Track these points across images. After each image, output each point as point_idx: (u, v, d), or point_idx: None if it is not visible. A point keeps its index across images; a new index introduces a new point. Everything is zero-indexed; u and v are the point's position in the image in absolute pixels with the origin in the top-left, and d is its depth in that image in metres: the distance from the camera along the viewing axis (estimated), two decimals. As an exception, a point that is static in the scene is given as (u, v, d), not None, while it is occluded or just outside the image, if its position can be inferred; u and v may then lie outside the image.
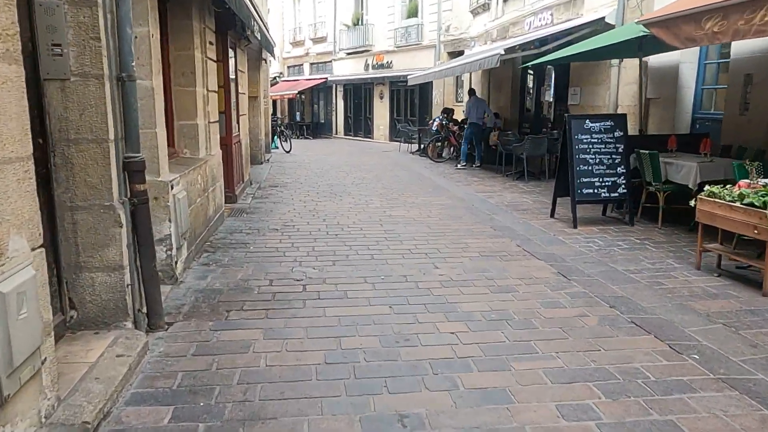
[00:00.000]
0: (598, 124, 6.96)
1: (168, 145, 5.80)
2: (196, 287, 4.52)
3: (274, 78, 33.65)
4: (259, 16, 9.05)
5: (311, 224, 7.04)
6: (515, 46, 10.78)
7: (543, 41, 11.96)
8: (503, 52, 10.02)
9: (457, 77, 20.07)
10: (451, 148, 15.13)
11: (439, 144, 15.80)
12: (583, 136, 6.92)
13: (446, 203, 8.62)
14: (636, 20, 7.05)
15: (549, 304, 4.23)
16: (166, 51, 5.70)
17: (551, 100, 13.59)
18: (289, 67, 32.94)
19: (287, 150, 17.82)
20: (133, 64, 3.37)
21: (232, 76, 8.68)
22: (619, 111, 10.11)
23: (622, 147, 6.96)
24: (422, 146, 17.14)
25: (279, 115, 33.53)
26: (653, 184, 6.79)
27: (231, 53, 8.60)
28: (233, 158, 8.41)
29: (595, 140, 6.93)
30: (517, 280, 4.82)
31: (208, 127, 6.43)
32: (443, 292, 4.47)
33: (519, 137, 12.08)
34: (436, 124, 15.74)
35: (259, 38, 9.12)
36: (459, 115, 17.49)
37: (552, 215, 7.45)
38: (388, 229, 6.74)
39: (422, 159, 15.89)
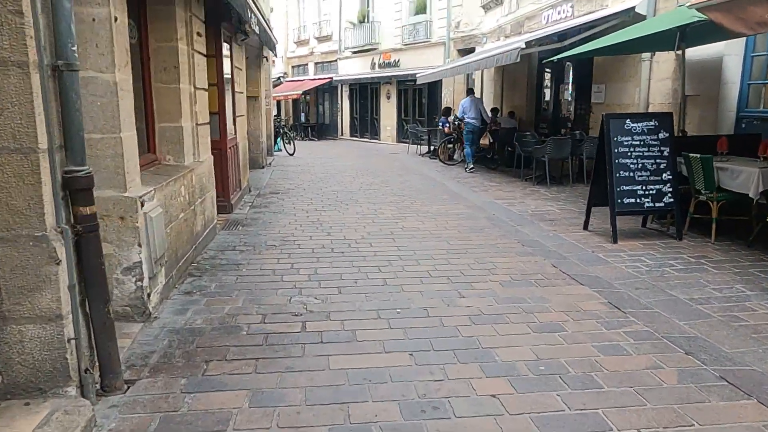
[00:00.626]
0: (640, 125, 6.11)
1: (148, 151, 5.02)
2: (172, 325, 3.71)
3: (278, 78, 32.91)
4: (258, 8, 8.26)
5: (314, 239, 6.22)
6: (532, 41, 9.92)
7: (562, 36, 11.10)
8: (524, 46, 9.18)
9: (467, 75, 19.25)
10: (464, 150, 14.28)
11: (451, 146, 14.96)
12: (624, 138, 6.07)
13: (464, 212, 7.78)
14: (687, 4, 6.18)
15: (608, 349, 3.39)
16: (144, 41, 4.90)
17: (571, 98, 12.73)
18: (293, 67, 32.19)
19: (290, 153, 17.03)
20: (74, 48, 2.56)
21: (227, 73, 7.89)
22: (651, 109, 9.25)
23: (668, 150, 6.10)
24: (432, 148, 16.31)
25: (283, 116, 32.82)
26: (704, 192, 5.94)
27: (226, 48, 7.80)
28: (228, 164, 7.61)
29: (637, 143, 6.07)
30: (561, 313, 3.98)
31: (196, 130, 5.63)
32: (474, 332, 3.64)
33: (538, 138, 11.22)
34: (445, 127, 14.91)
35: (258, 32, 8.32)
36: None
37: (585, 227, 6.60)
38: (402, 246, 5.91)
39: (432, 162, 15.06)
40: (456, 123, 13.88)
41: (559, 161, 10.51)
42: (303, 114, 32.35)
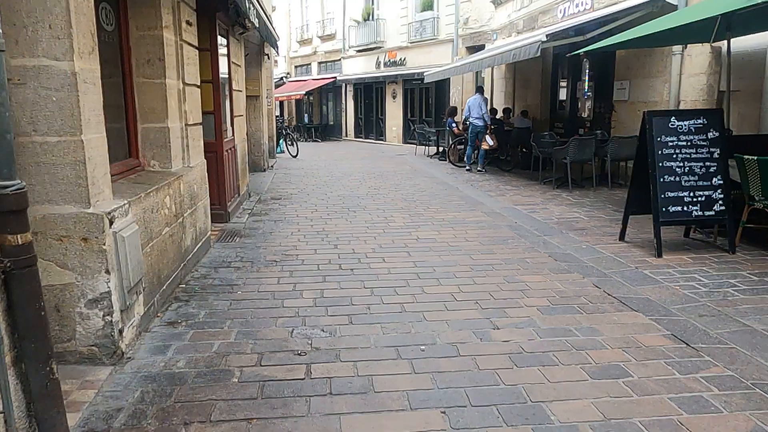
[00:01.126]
0: (687, 123, 5.42)
1: (129, 156, 4.36)
2: (148, 370, 3.04)
3: (281, 78, 32.30)
4: (257, 0, 7.61)
5: (319, 252, 5.55)
6: (551, 34, 9.22)
7: (580, 29, 10.41)
8: (545, 39, 8.49)
9: (477, 74, 18.57)
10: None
11: (461, 147, 14.27)
12: (669, 138, 5.38)
13: (483, 220, 7.10)
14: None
15: (690, 404, 2.71)
16: (124, 29, 4.25)
17: (589, 96, 12.03)
18: (296, 66, 31.57)
19: (294, 155, 16.38)
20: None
21: (223, 69, 7.24)
22: (682, 107, 8.55)
23: (719, 151, 5.41)
24: (441, 149, 15.63)
25: (286, 116, 32.21)
26: (760, 199, 5.24)
27: (222, 42, 7.15)
28: (225, 168, 6.95)
29: (684, 143, 5.38)
30: (619, 350, 3.30)
31: (186, 132, 4.98)
32: (518, 378, 2.96)
33: (556, 138, 10.52)
34: (455, 127, 14.22)
35: (257, 25, 7.65)
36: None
37: (622, 238, 5.91)
38: (419, 261, 5.24)
39: (442, 164, 14.38)
40: (465, 123, 13.18)
41: (580, 164, 9.80)
42: (306, 115, 31.74)
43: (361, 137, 26.06)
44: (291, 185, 10.47)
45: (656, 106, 9.16)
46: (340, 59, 26.64)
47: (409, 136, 22.19)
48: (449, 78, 19.06)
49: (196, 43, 5.35)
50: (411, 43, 21.29)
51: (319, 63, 28.89)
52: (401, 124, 22.78)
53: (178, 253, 4.47)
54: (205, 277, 4.73)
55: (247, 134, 11.84)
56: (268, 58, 12.58)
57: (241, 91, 8.48)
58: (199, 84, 5.44)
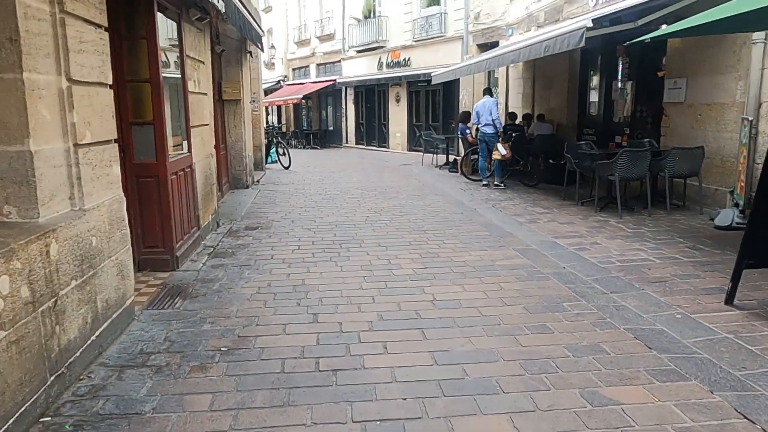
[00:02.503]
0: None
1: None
2: None
3: (278, 81, 30.66)
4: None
5: (290, 331, 3.75)
6: (594, 20, 7.35)
7: (617, 20, 8.57)
8: (591, 24, 6.67)
9: (489, 74, 16.78)
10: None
11: (475, 157, 12.46)
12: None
13: (519, 264, 5.29)
14: None
15: None
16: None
17: (628, 97, 10.21)
18: (293, 69, 29.85)
19: (286, 166, 14.60)
20: None
21: (170, 65, 5.47)
22: (766, 110, 6.73)
23: None
24: (453, 159, 13.81)
25: (284, 122, 30.52)
26: None
27: (166, 27, 5.38)
28: (172, 197, 5.16)
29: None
30: None
31: (77, 156, 3.19)
32: None
33: (600, 151, 8.70)
34: (469, 135, 12.41)
35: (223, 9, 5.86)
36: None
37: (730, 301, 4.09)
38: (439, 351, 3.41)
39: (453, 176, 12.57)
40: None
41: (633, 181, 7.96)
42: (305, 120, 30.02)
43: (363, 144, 24.28)
44: (275, 207, 8.67)
45: (726, 109, 7.35)
46: (339, 60, 24.90)
47: (414, 143, 20.41)
48: (458, 79, 17.29)
49: (100, 22, 3.57)
50: (416, 41, 19.51)
51: (318, 65, 27.15)
52: (406, 130, 20.99)
53: (38, 366, 2.67)
54: (95, 393, 2.93)
55: (225, 145, 10.07)
56: (252, 56, 10.84)
57: (204, 94, 6.70)
58: (107, 82, 3.64)
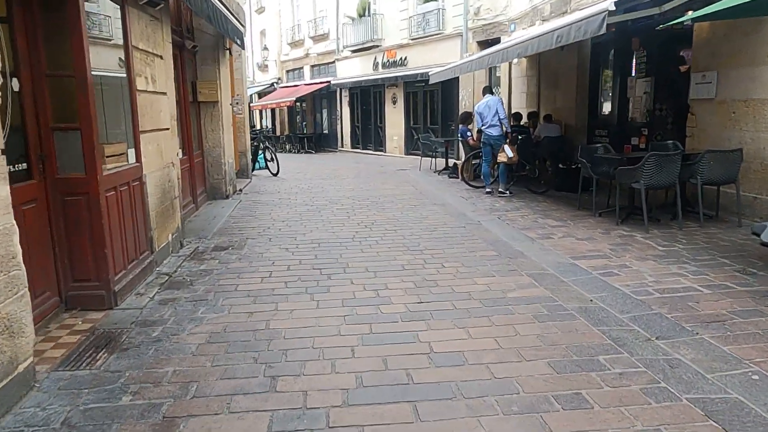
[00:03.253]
0: None
1: None
2: None
3: (272, 84, 29.74)
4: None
5: (234, 408, 2.77)
6: (617, 2, 6.37)
7: (631, 8, 7.63)
8: (613, 8, 5.70)
9: (490, 72, 15.85)
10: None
11: (477, 162, 11.51)
12: None
13: (536, 296, 4.31)
14: None
15: None
16: None
17: (646, 94, 9.25)
18: (287, 71, 28.93)
19: (274, 172, 13.63)
20: None
21: (109, 56, 4.53)
22: (817, 106, 5.78)
23: None
24: (453, 163, 12.84)
25: (278, 125, 29.64)
26: None
27: (97, 9, 4.43)
28: (109, 219, 4.19)
29: None
30: None
31: None
32: None
33: (621, 155, 7.74)
34: (470, 138, 11.45)
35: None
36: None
37: (819, 353, 3.12)
38: (437, 442, 2.45)
39: (453, 182, 11.60)
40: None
41: (660, 190, 6.99)
42: (300, 124, 29.09)
43: (359, 148, 23.32)
44: (253, 221, 7.71)
45: (767, 105, 6.39)
46: (334, 61, 23.96)
47: (412, 146, 19.47)
48: (458, 79, 16.35)
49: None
50: (413, 39, 18.58)
51: (312, 66, 26.22)
52: (403, 133, 20.04)
53: None
54: None
55: (202, 152, 9.12)
56: (231, 54, 9.87)
57: (163, 93, 5.74)
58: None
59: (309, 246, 6.17)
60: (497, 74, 15.61)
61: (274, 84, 29.35)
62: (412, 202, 9.15)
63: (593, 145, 7.85)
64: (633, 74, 9.47)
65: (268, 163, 13.96)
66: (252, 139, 13.94)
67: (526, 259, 5.43)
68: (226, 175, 9.61)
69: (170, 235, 5.74)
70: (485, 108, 9.26)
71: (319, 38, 24.99)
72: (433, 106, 18.62)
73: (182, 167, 7.94)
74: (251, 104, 31.45)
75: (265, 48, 29.91)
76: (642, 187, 6.34)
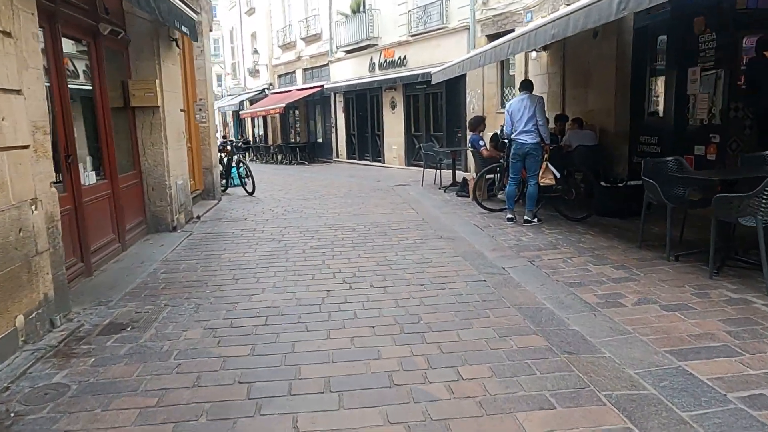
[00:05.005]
0: None
1: None
2: None
3: (263, 90, 27.74)
4: None
5: None
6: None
7: None
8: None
9: (503, 70, 13.75)
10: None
11: (491, 177, 9.37)
12: None
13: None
14: None
15: None
16: None
17: (715, 90, 7.08)
18: (279, 76, 26.92)
19: (249, 191, 11.51)
20: None
21: None
22: None
23: None
24: (463, 178, 10.65)
25: (270, 135, 27.62)
26: None
27: None
28: None
29: None
30: None
31: None
32: None
33: (686, 169, 5.57)
34: (483, 148, 9.29)
35: None
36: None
37: None
38: None
39: (462, 202, 9.45)
40: (504, 140, 8.26)
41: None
42: (296, 132, 27.03)
43: (355, 158, 21.21)
44: (189, 271, 5.55)
45: None
46: (327, 64, 21.90)
47: (413, 156, 17.36)
48: (464, 79, 14.26)
49: None
50: (412, 36, 16.48)
51: (304, 70, 24.19)
52: (403, 142, 17.89)
53: None
54: None
55: (140, 172, 7.02)
56: (177, 45, 7.75)
57: (13, 92, 3.61)
58: None
59: (250, 323, 4.01)
60: (511, 72, 13.50)
61: (266, 90, 27.36)
62: (411, 234, 6.99)
63: (663, 159, 5.66)
64: (696, 64, 7.30)
65: (243, 180, 11.84)
66: (220, 151, 11.84)
67: (596, 356, 3.26)
68: (172, 200, 7.47)
69: (21, 316, 3.59)
70: (520, 107, 7.08)
71: (311, 39, 22.95)
72: (437, 111, 16.48)
73: (97, 195, 5.83)
74: (241, 112, 29.51)
75: (255, 51, 27.95)
76: (759, 223, 4.15)
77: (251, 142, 30.32)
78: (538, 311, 4.06)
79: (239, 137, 32.87)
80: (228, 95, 34.81)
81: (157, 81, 7.08)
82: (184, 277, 5.30)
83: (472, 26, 13.99)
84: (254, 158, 26.88)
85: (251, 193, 11.43)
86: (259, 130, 30.35)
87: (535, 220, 7.14)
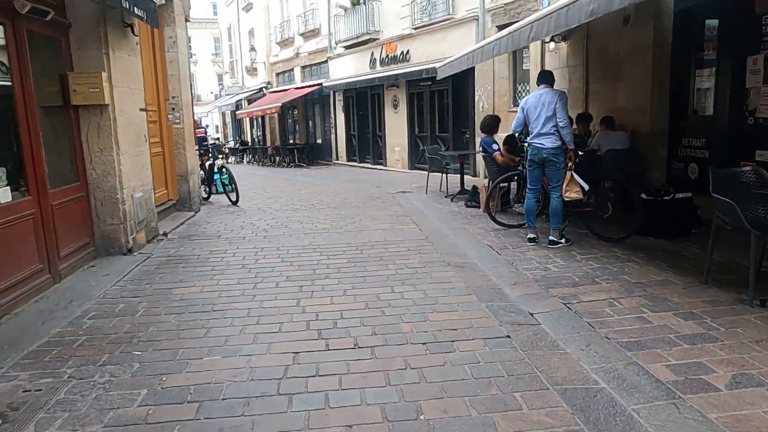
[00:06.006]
0: None
1: None
2: None
3: (260, 89, 26.56)
4: None
5: None
6: None
7: None
8: None
9: (515, 64, 12.50)
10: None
11: (506, 185, 8.10)
12: None
13: None
14: None
15: None
16: None
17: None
18: (277, 74, 25.74)
19: (233, 200, 10.28)
20: None
21: None
22: None
23: None
24: (473, 186, 9.34)
25: (268, 137, 26.46)
26: None
27: None
28: None
29: None
30: None
31: None
32: None
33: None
34: (497, 153, 8.01)
35: None
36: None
37: None
38: None
39: (473, 214, 8.19)
40: (520, 143, 6.99)
41: None
42: (292, 133, 25.83)
43: (355, 161, 19.95)
44: (134, 311, 4.32)
45: None
46: (326, 60, 20.67)
47: (417, 159, 16.10)
48: (473, 75, 13.01)
49: None
50: (416, 29, 15.21)
51: (303, 67, 22.97)
52: (406, 143, 16.62)
53: None
54: None
55: (85, 184, 5.82)
56: (131, 30, 6.50)
57: None
58: None
59: (173, 415, 2.78)
60: (525, 66, 12.22)
61: (263, 89, 26.18)
62: (412, 259, 5.73)
63: (738, 169, 4.37)
64: (759, 51, 6.00)
65: (225, 188, 10.61)
66: (201, 154, 10.63)
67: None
68: (126, 217, 6.24)
69: None
70: (537, 104, 5.81)
71: (309, 35, 21.72)
72: (442, 110, 15.20)
73: (14, 218, 4.61)
74: (237, 112, 28.32)
75: (253, 49, 26.78)
76: None
77: (249, 144, 29.18)
78: (591, 398, 2.80)
79: (237, 138, 31.74)
80: (226, 95, 33.66)
81: (105, 74, 5.85)
82: (114, 327, 4.06)
83: (482, 16, 12.71)
84: (252, 160, 25.72)
85: (235, 203, 10.20)
86: (258, 131, 29.19)
87: (563, 241, 5.87)
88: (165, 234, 7.40)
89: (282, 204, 10.28)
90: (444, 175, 10.83)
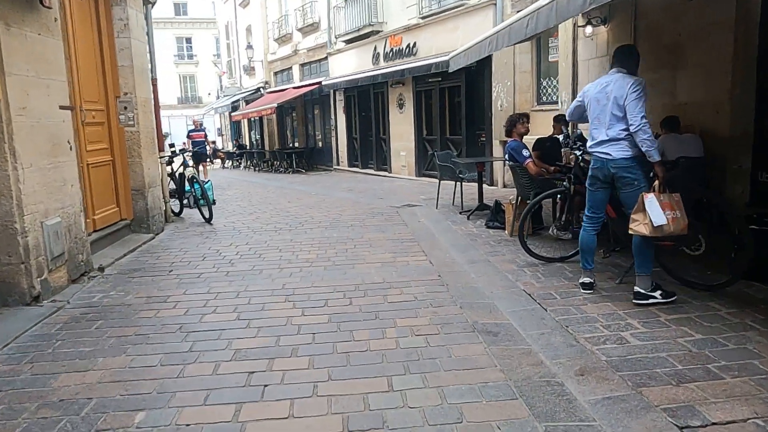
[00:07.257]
0: None
1: None
2: None
3: (258, 89, 24.96)
4: None
5: None
6: None
7: None
8: None
9: (539, 52, 10.81)
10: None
11: (537, 204, 6.33)
12: None
13: None
14: None
15: None
16: None
17: None
18: (275, 73, 24.14)
19: (206, 218, 8.60)
20: None
21: None
22: None
23: None
24: (495, 201, 7.57)
25: (266, 140, 24.86)
26: None
27: None
28: None
29: None
30: None
31: None
32: None
33: None
34: (529, 161, 6.25)
35: None
36: (541, 127, 7.98)
37: None
38: None
39: (497, 238, 6.46)
40: (573, 147, 5.24)
41: None
42: (290, 136, 24.20)
43: (357, 166, 18.27)
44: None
45: None
46: (326, 57, 19.03)
47: (426, 164, 14.38)
48: (490, 68, 11.32)
49: None
50: (423, 18, 13.50)
51: (302, 65, 21.34)
52: (413, 147, 14.89)
53: None
54: None
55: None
56: (44, 4, 4.82)
57: None
58: None
59: None
60: (551, 58, 10.51)
61: (261, 89, 24.58)
62: (421, 318, 4.00)
63: None
64: None
65: (199, 201, 8.94)
66: (170, 163, 8.98)
67: None
68: (30, 254, 4.56)
69: None
70: (600, 97, 4.12)
71: (308, 29, 20.08)
72: (454, 110, 13.47)
73: None
74: (233, 114, 26.73)
75: (250, 46, 25.18)
76: None
77: (247, 147, 27.62)
78: None
79: (234, 142, 30.21)
80: (224, 96, 32.11)
81: (18, 59, 4.19)
82: None
83: (500, 1, 11.00)
84: (248, 165, 24.15)
85: (208, 220, 8.52)
86: (256, 134, 27.60)
87: (657, 294, 4.03)
88: (101, 268, 5.72)
89: (264, 221, 8.58)
90: (458, 184, 9.08)
